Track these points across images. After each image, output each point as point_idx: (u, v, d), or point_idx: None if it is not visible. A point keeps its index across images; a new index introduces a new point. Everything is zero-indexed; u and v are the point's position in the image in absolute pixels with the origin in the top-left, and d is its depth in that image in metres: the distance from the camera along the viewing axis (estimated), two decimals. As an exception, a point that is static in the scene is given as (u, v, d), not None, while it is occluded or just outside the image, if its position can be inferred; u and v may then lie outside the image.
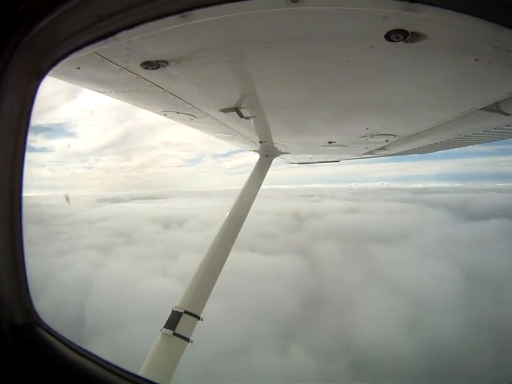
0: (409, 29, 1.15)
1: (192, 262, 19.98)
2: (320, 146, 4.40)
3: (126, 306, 15.44)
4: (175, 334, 3.12)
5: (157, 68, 1.60)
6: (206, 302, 3.48)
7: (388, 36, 1.18)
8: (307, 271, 18.91)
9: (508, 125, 2.41)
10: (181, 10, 1.10)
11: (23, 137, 1.09)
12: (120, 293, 17.46)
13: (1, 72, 1.01)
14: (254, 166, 4.91)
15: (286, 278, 17.92)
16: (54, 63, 1.14)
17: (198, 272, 3.62)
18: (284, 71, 1.72)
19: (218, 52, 1.54)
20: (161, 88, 2.04)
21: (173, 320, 3.19)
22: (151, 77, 1.80)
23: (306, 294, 15.87)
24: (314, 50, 1.42)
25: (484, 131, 2.88)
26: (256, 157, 5.11)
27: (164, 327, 3.12)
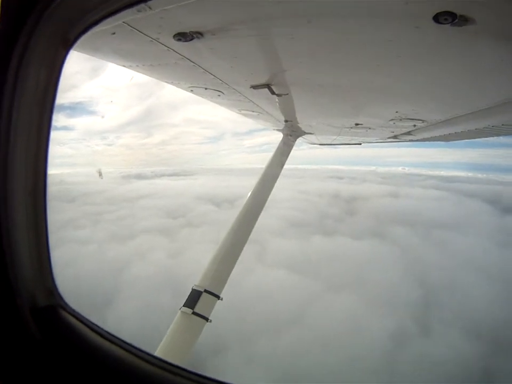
0: (459, 11, 1.14)
1: (283, 246, 20.30)
2: (346, 128, 4.43)
3: (251, 307, 13.56)
4: (194, 313, 3.18)
5: (191, 40, 1.59)
6: (226, 281, 3.53)
7: (436, 18, 1.17)
8: (403, 256, 18.73)
9: None
10: None
11: (50, 108, 1.08)
12: (229, 290, 14.54)
13: (27, 40, 0.99)
14: (275, 145, 4.98)
15: (389, 263, 17.91)
16: (83, 31, 1.13)
17: (219, 250, 3.66)
18: (323, 48, 1.72)
19: (257, 24, 1.53)
20: (192, 62, 2.03)
21: (193, 299, 3.25)
22: (182, 50, 1.81)
23: (418, 279, 15.80)
24: (356, 27, 1.42)
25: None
26: (276, 136, 5.13)
27: (183, 306, 3.19)
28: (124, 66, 2.25)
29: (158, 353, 2.95)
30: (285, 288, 14.83)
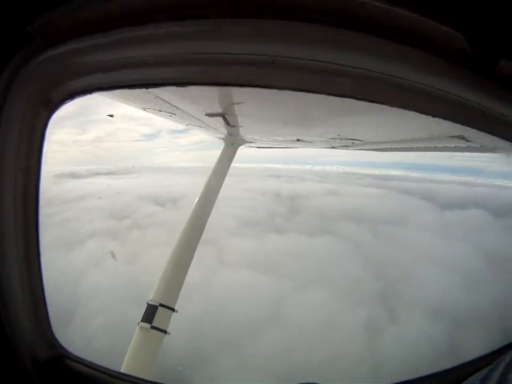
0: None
1: (241, 245, 20.85)
2: (288, 141, 4.65)
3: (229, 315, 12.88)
4: (152, 327, 3.20)
5: None
6: (179, 293, 3.57)
7: None
8: (357, 250, 19.51)
9: (468, 146, 2.61)
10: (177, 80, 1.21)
11: (36, 173, 1.04)
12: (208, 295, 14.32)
13: (2, 99, 0.92)
14: (209, 143, 5.11)
15: (346, 258, 18.52)
16: (69, 97, 1.07)
17: (168, 263, 3.67)
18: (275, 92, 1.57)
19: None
20: (157, 96, 2.08)
21: (150, 314, 3.27)
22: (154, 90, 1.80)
23: (376, 271, 16.56)
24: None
25: (444, 146, 3.07)
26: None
27: (141, 321, 3.23)
28: None
29: (123, 369, 3.05)
30: (252, 288, 14.87)
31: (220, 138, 5.16)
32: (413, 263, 17.22)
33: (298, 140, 4.08)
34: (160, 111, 2.78)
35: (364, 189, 36.66)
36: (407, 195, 32.00)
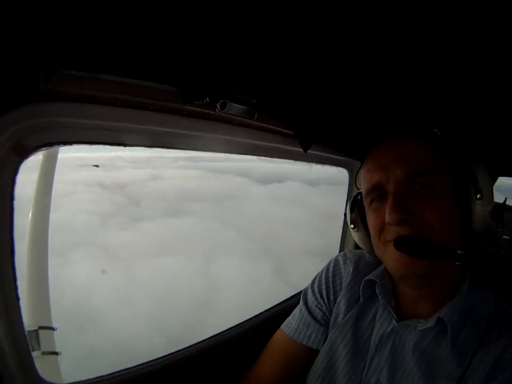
0: None
1: (125, 238, 21.90)
2: None
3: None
4: (43, 353, 3.06)
5: None
6: (50, 310, 3.44)
7: None
8: (219, 223, 21.39)
9: None
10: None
11: (7, 226, 0.97)
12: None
13: None
14: None
15: (215, 231, 20.10)
16: (45, 145, 1.02)
17: (27, 283, 3.53)
18: None
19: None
20: None
21: (35, 341, 3.10)
22: None
23: (246, 236, 19.09)
24: None
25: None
26: None
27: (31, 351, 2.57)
28: None
29: None
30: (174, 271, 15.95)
31: None
32: (274, 224, 21.41)
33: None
34: None
35: (181, 171, 38.47)
36: (222, 173, 35.73)
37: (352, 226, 1.60)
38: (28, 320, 3.16)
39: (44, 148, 1.05)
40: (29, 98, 0.93)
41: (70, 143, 1.12)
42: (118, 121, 1.20)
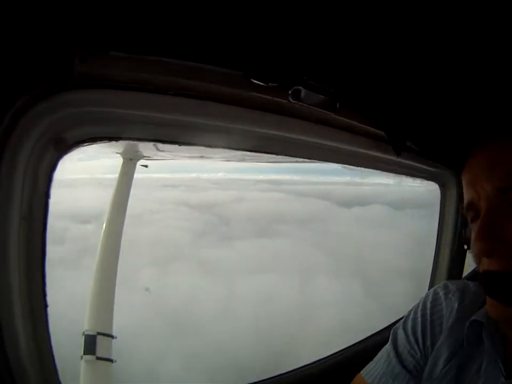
0: None
1: (223, 255, 23.01)
2: (193, 157, 4.14)
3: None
4: (98, 358, 3.13)
5: None
6: (112, 318, 3.51)
7: None
8: (308, 244, 21.98)
9: None
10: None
11: (41, 224, 0.91)
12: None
13: (6, 135, 0.77)
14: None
15: (304, 251, 20.50)
16: (88, 140, 0.97)
17: (92, 289, 3.59)
18: None
19: None
20: None
21: (90, 345, 3.20)
22: None
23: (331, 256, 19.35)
24: None
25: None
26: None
27: (84, 354, 3.15)
28: None
29: None
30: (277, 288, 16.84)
31: (117, 153, 4.84)
32: (363, 246, 21.41)
33: (202, 157, 3.77)
34: None
35: (265, 193, 39.13)
36: (304, 197, 33.91)
37: (465, 246, 1.31)
38: (88, 325, 3.26)
39: (86, 144, 0.99)
40: (67, 83, 0.84)
41: (117, 138, 1.06)
42: (171, 112, 1.06)
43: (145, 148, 3.84)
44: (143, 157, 4.58)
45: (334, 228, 27.17)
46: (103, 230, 3.99)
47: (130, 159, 4.55)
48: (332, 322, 13.94)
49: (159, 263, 20.29)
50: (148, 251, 22.45)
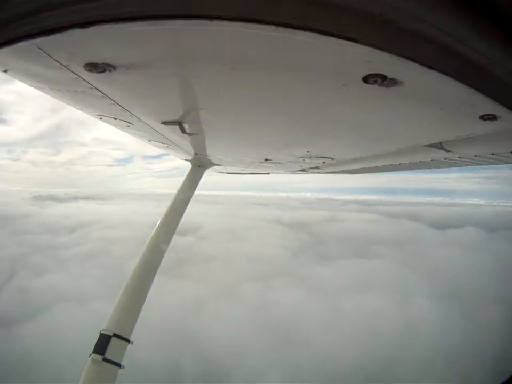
0: (390, 75, 1.08)
1: (325, 272, 24.07)
2: (256, 162, 4.24)
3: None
4: (105, 359, 3.00)
5: (102, 72, 1.39)
6: (135, 323, 3.36)
7: (366, 78, 1.12)
8: (421, 267, 22.61)
9: (445, 158, 2.55)
10: (149, 17, 0.89)
11: None
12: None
13: None
14: (183, 170, 4.69)
15: (408, 274, 21.70)
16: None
17: (124, 291, 3.47)
18: (242, 97, 1.55)
19: (173, 65, 1.34)
20: (102, 93, 1.81)
21: (102, 344, 3.06)
22: (92, 80, 1.56)
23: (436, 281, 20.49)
24: (281, 80, 1.26)
25: (420, 161, 3.00)
26: (186, 162, 4.91)
27: (92, 352, 3.01)
28: (30, 86, 1.91)
29: None
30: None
31: (187, 160, 4.83)
32: (457, 269, 22.09)
33: (266, 160, 3.79)
34: (115, 118, 2.47)
35: (356, 214, 38.99)
36: (396, 218, 37.19)
37: None
38: (107, 324, 3.18)
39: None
40: None
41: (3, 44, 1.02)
42: None
43: (212, 152, 3.91)
44: (212, 164, 4.80)
45: (428, 250, 27.93)
46: (152, 234, 3.88)
47: (199, 166, 4.77)
48: (432, 348, 14.97)
49: (261, 279, 22.13)
50: (247, 266, 24.50)
